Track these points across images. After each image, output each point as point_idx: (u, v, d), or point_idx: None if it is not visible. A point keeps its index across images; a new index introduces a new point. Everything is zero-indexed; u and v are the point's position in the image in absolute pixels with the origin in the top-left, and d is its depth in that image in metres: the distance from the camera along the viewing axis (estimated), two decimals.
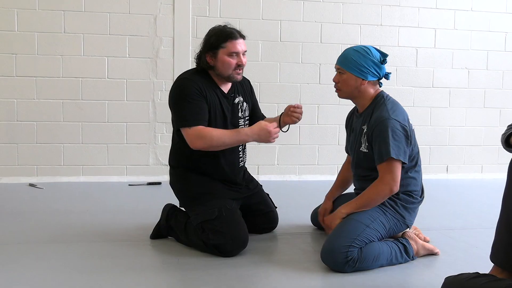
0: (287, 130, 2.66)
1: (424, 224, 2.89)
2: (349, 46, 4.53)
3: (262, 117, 2.80)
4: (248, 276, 2.13)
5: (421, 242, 2.40)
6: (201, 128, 2.36)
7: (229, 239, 2.32)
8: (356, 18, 4.53)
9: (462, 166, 4.82)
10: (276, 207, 2.80)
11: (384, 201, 2.30)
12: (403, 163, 2.24)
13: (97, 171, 4.25)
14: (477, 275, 1.69)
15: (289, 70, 4.48)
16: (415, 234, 2.45)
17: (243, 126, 2.59)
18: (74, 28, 4.13)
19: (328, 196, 2.69)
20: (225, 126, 2.50)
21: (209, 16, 4.28)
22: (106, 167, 4.26)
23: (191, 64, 4.23)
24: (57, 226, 2.82)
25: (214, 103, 2.46)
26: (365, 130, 2.33)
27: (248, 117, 2.67)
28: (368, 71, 2.30)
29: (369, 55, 2.30)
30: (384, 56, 2.36)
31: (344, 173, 2.71)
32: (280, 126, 2.58)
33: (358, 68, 2.30)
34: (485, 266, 1.92)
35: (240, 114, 2.59)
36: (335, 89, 2.43)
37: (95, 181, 4.20)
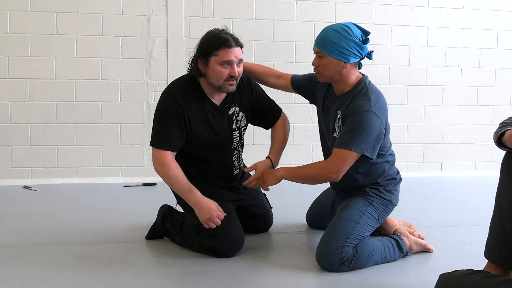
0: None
1: (419, 221, 2.91)
2: None
3: (277, 115, 2.60)
4: (244, 276, 2.13)
5: (413, 237, 2.41)
6: (168, 158, 2.30)
7: (224, 241, 2.31)
8: (349, 17, 4.54)
9: (456, 163, 4.84)
10: (271, 207, 2.80)
11: (367, 191, 2.29)
12: (370, 158, 2.13)
13: (91, 173, 4.24)
14: (471, 271, 1.70)
15: (283, 70, 4.44)
16: (409, 232, 2.46)
17: (238, 138, 2.48)
18: (67, 30, 4.12)
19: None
20: (214, 140, 2.41)
21: (203, 16, 4.28)
22: (100, 168, 4.26)
23: (184, 65, 4.23)
24: (52, 228, 2.82)
25: (199, 119, 2.35)
26: (339, 115, 2.20)
27: (245, 127, 2.51)
28: (350, 53, 2.11)
29: (351, 35, 2.11)
30: (366, 34, 2.18)
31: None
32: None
33: (339, 51, 2.11)
34: (480, 262, 1.93)
35: (234, 126, 2.45)
36: (314, 72, 2.27)
37: (90, 183, 4.20)
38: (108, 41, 4.18)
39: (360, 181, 2.31)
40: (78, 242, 2.57)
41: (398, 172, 2.44)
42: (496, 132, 1.77)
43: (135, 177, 4.27)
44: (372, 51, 2.26)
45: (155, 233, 2.60)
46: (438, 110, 4.78)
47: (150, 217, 2.75)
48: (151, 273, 2.16)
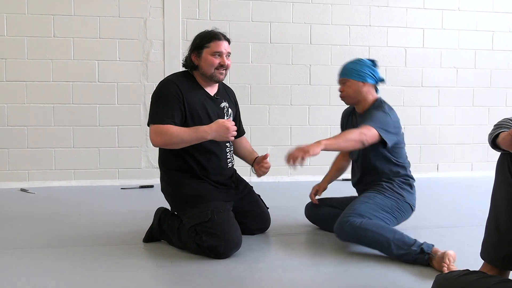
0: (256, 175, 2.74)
1: (415, 222, 2.92)
2: (338, 46, 4.58)
3: (243, 133, 2.87)
4: (242, 277, 2.14)
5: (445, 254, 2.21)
6: (161, 125, 2.38)
7: (222, 240, 2.32)
8: (345, 19, 4.57)
9: (452, 164, 4.87)
10: (268, 208, 2.82)
11: (382, 184, 2.55)
12: (385, 143, 2.44)
13: (89, 175, 4.25)
14: (467, 272, 1.71)
15: (280, 72, 4.50)
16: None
17: None
18: (64, 32, 4.13)
19: (325, 179, 2.91)
20: None
21: (199, 18, 4.29)
22: (98, 170, 4.26)
23: (181, 67, 4.24)
24: (50, 231, 2.82)
25: (196, 104, 2.49)
26: None
27: (234, 124, 2.61)
28: (366, 74, 2.58)
29: (363, 62, 2.61)
30: (373, 61, 2.65)
31: (340, 161, 2.94)
32: (254, 170, 2.71)
33: (358, 74, 2.58)
34: (476, 263, 1.94)
35: (226, 118, 2.61)
36: (341, 98, 2.67)
37: (87, 185, 4.20)
38: (105, 44, 4.19)
39: (379, 171, 2.61)
40: (76, 245, 2.57)
41: (412, 179, 2.67)
42: (490, 134, 1.78)
43: (133, 180, 4.27)
44: (384, 78, 2.72)
45: (152, 236, 2.61)
46: (434, 111, 4.80)
47: (148, 219, 2.75)
48: (149, 276, 2.17)
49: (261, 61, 4.45)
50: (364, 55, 4.60)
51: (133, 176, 4.29)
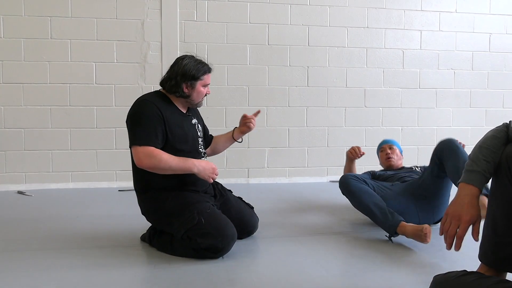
0: (241, 141, 2.91)
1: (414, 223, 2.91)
2: (336, 48, 4.58)
3: (211, 137, 2.95)
4: (240, 279, 2.14)
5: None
6: (152, 148, 2.40)
7: (218, 236, 2.32)
8: (343, 20, 4.58)
9: None
10: (252, 208, 2.80)
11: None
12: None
13: (86, 177, 4.24)
14: (465, 273, 1.71)
15: (277, 73, 4.50)
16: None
17: (202, 145, 2.69)
18: (61, 34, 4.12)
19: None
20: (187, 143, 2.55)
21: (197, 20, 4.29)
22: (95, 173, 4.25)
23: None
24: (47, 233, 2.81)
25: (175, 123, 2.52)
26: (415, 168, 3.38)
27: (203, 138, 2.76)
28: (401, 150, 3.56)
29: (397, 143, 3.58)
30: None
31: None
32: (234, 137, 2.87)
33: (399, 147, 3.53)
34: (473, 264, 1.94)
35: (198, 134, 2.69)
36: (390, 158, 3.43)
37: (85, 187, 4.19)
38: (102, 46, 4.18)
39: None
40: (73, 247, 2.56)
41: None
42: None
43: (130, 182, 4.24)
44: None
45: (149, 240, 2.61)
46: (431, 113, 4.81)
47: (145, 221, 2.75)
48: (147, 277, 2.16)
49: (258, 62, 4.46)
50: (361, 56, 4.61)
51: (130, 178, 4.25)
